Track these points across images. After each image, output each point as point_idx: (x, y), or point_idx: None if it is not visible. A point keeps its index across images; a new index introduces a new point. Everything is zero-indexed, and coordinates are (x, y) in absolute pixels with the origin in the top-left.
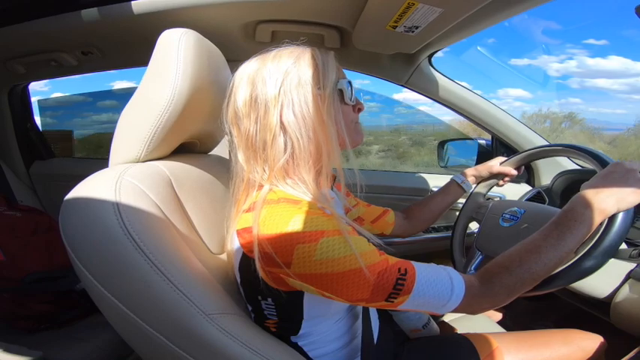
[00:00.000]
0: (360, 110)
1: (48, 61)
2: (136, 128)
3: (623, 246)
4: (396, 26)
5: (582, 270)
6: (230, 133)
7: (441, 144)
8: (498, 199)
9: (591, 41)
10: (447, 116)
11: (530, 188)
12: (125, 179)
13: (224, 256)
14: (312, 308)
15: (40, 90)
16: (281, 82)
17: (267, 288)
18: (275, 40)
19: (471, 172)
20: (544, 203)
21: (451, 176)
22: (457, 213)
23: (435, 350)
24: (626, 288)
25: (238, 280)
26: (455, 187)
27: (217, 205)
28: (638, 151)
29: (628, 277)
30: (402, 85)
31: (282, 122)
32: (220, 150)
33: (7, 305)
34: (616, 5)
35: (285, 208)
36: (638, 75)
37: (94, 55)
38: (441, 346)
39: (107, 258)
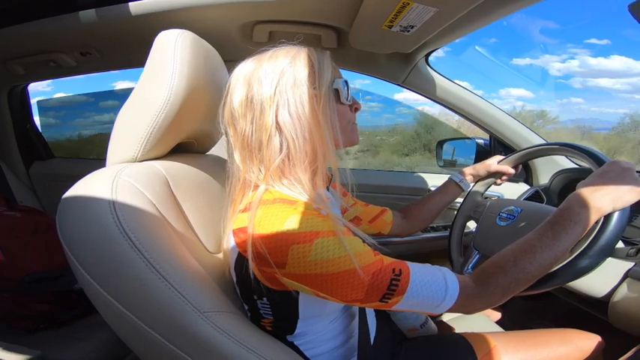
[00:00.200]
0: (357, 110)
1: (47, 62)
2: (132, 128)
3: (621, 245)
4: (392, 26)
5: (578, 269)
6: (226, 133)
7: (440, 143)
8: (496, 198)
9: (593, 41)
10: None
11: (528, 187)
12: (122, 178)
13: (221, 255)
14: (307, 308)
15: (42, 90)
16: (277, 82)
17: (262, 288)
18: (272, 41)
19: (469, 171)
20: (542, 202)
21: (449, 175)
22: (455, 212)
23: (432, 350)
24: (624, 287)
25: (234, 280)
26: (453, 186)
27: (214, 204)
28: (620, 148)
29: (626, 276)
30: (399, 85)
31: (277, 122)
32: (218, 150)
33: (7, 305)
34: (617, 5)
35: (281, 209)
36: None
37: (92, 55)
38: (438, 346)
39: (103, 256)
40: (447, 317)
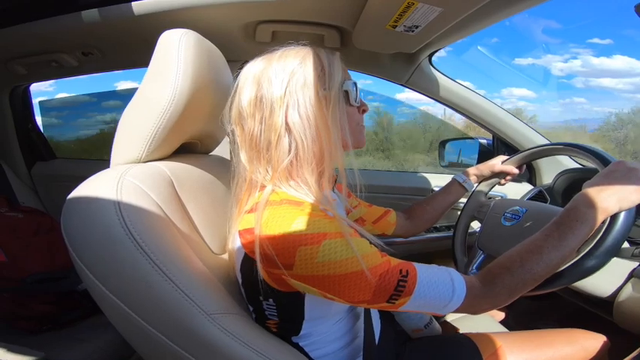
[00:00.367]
0: (364, 111)
1: (49, 62)
2: (136, 129)
3: (626, 245)
4: (396, 26)
5: (584, 269)
6: (233, 133)
7: (442, 143)
8: (500, 198)
9: (596, 40)
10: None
11: (532, 187)
12: (126, 179)
13: (226, 256)
14: (313, 309)
15: (45, 90)
16: (287, 83)
17: (268, 289)
18: (275, 41)
19: (472, 171)
20: (545, 202)
21: (452, 176)
22: (458, 212)
23: (437, 350)
24: (629, 287)
25: (239, 281)
26: (456, 187)
27: (218, 205)
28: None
29: (631, 275)
30: (402, 85)
31: (287, 123)
32: (221, 150)
33: (9, 306)
34: (619, 4)
35: (288, 210)
36: None
37: (94, 55)
38: (443, 346)
39: (108, 258)
40: (450, 317)
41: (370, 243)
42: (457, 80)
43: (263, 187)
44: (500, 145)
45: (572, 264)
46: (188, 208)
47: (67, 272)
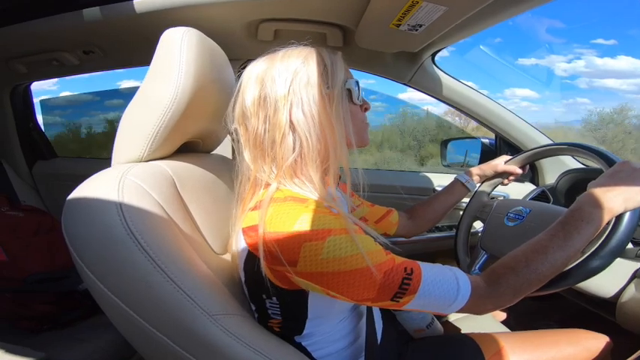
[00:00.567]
0: (366, 110)
1: (50, 61)
2: (138, 127)
3: (629, 245)
4: (400, 24)
5: (589, 270)
6: (236, 132)
7: (444, 143)
8: (502, 198)
9: (600, 41)
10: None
11: (535, 187)
12: (128, 179)
13: (227, 257)
14: (316, 308)
15: (48, 89)
16: (290, 81)
17: (271, 287)
18: (277, 39)
19: (475, 171)
20: (548, 202)
21: (454, 175)
22: (461, 212)
23: (439, 350)
24: (632, 288)
25: (243, 279)
26: (459, 187)
27: (220, 204)
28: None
29: (634, 276)
30: (405, 84)
31: (291, 121)
32: (223, 149)
33: (9, 305)
34: (624, 4)
35: (292, 207)
36: None
37: (95, 54)
38: (445, 346)
39: (109, 258)
40: (452, 318)
41: (375, 240)
42: (460, 80)
43: (267, 185)
44: (503, 144)
45: (576, 264)
46: (190, 208)
47: (67, 272)
